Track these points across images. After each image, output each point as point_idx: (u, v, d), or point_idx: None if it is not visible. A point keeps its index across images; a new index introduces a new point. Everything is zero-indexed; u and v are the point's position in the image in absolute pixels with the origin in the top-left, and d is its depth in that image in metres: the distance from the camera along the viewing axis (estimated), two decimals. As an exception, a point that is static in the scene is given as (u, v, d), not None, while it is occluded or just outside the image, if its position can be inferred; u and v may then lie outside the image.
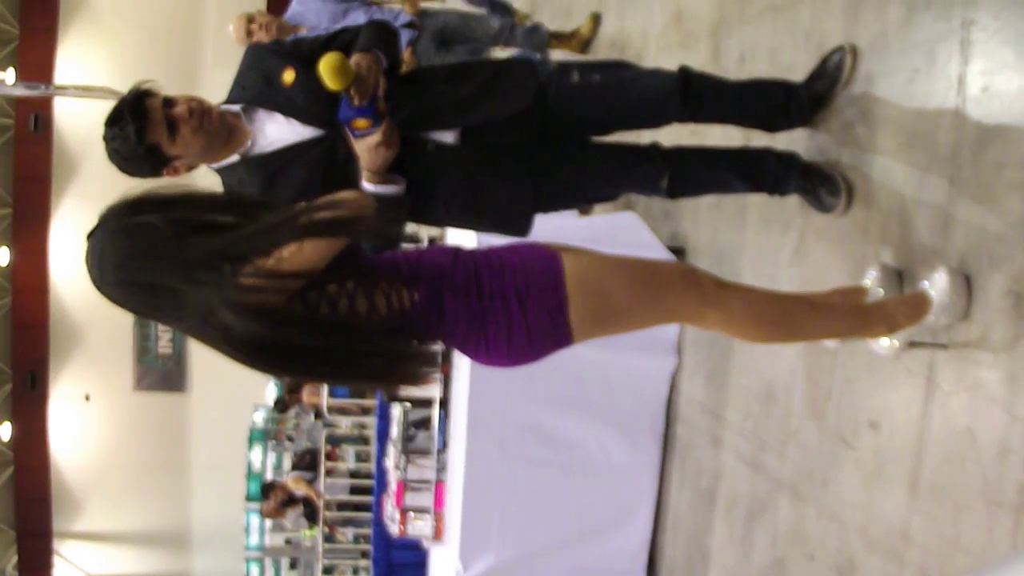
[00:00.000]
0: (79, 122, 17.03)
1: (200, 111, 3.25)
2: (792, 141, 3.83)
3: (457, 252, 2.86)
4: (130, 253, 2.45)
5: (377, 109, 3.20)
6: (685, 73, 3.60)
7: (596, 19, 7.02)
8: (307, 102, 3.35)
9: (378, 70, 3.18)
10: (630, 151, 3.76)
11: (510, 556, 5.38)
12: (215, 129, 3.31)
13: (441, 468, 5.74)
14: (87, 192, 17.65)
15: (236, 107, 3.39)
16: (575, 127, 3.67)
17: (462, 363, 5.43)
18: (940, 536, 2.96)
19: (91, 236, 2.54)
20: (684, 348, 5.12)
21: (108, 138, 3.30)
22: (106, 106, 3.40)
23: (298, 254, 2.41)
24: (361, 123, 3.22)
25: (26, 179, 17.24)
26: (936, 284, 2.93)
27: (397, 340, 2.70)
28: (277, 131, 3.40)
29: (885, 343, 3.17)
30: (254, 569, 18.21)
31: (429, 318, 2.75)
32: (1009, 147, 2.79)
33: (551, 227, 5.08)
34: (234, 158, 3.40)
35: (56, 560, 18.02)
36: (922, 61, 3.18)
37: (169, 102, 3.25)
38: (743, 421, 4.38)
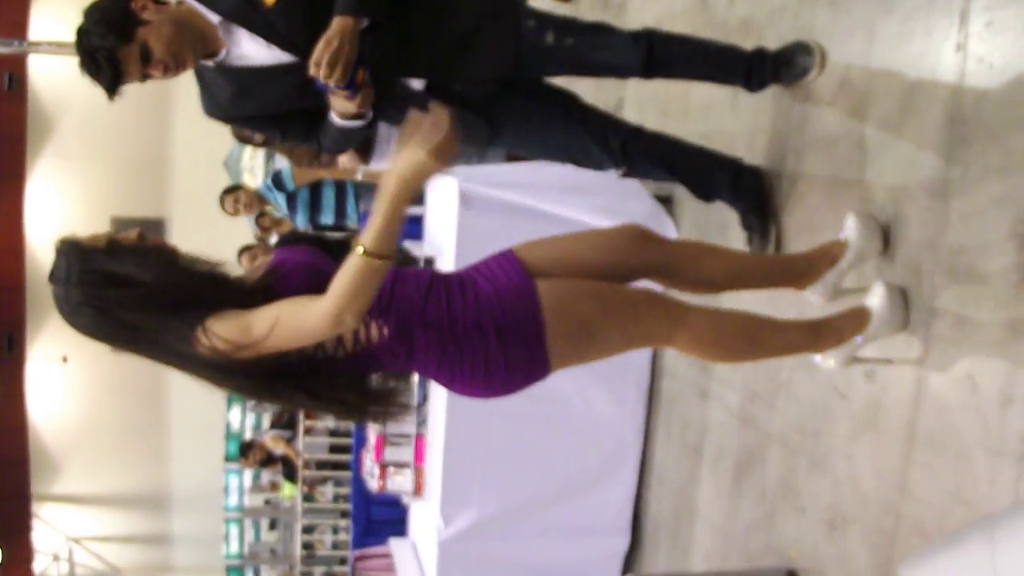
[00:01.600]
0: (54, 80, 16.75)
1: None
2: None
3: (432, 284, 2.79)
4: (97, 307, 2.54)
5: (355, 83, 3.15)
6: (650, 45, 3.63)
7: None
8: (287, 28, 3.27)
9: (354, 46, 3.13)
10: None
11: (492, 511, 5.29)
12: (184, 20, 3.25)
13: (421, 422, 5.63)
14: (63, 152, 17.45)
15: (214, 17, 3.27)
16: (536, 79, 3.75)
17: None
18: (938, 488, 2.87)
19: (55, 278, 2.61)
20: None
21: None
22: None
23: (270, 332, 2.45)
24: (339, 93, 3.22)
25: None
26: (874, 296, 3.08)
27: (358, 383, 2.72)
28: (255, 50, 3.33)
29: (832, 358, 3.20)
30: (233, 530, 18.17)
31: (398, 352, 2.71)
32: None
33: (538, 176, 5.02)
34: (208, 63, 3.36)
35: (35, 523, 17.92)
36: None
37: None
38: (732, 373, 4.28)
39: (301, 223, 7.70)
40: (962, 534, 1.94)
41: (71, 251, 2.57)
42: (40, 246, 17.15)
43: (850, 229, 3.19)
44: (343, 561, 11.67)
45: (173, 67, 3.26)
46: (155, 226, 17.30)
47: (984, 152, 2.78)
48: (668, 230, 4.94)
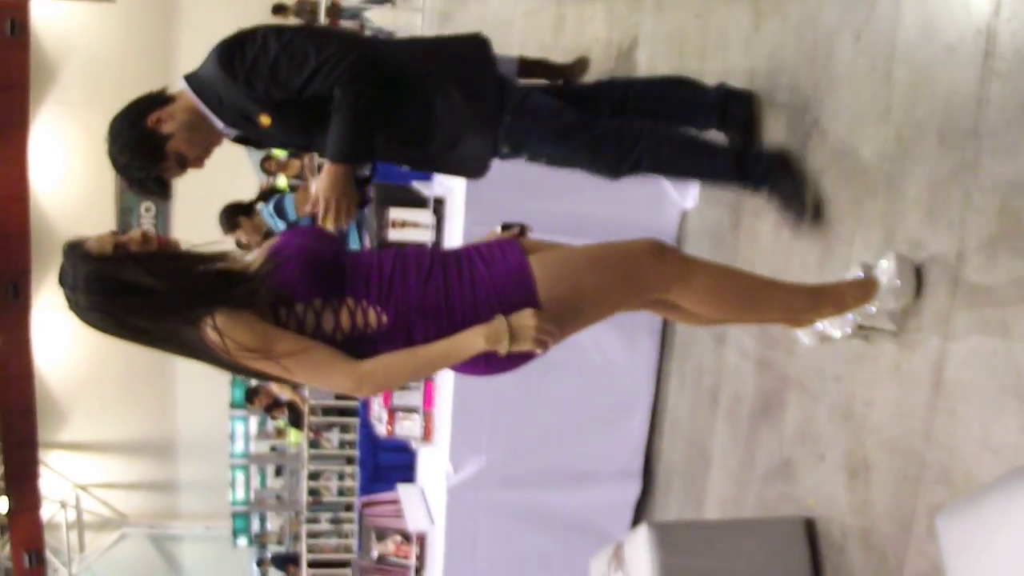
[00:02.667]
0: (57, 26, 16.62)
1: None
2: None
3: (431, 270, 2.79)
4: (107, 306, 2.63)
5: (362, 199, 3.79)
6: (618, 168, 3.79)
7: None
8: (284, 137, 3.72)
9: (350, 190, 3.51)
10: None
11: (502, 458, 5.23)
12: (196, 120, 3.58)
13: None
14: (66, 99, 17.34)
15: (229, 132, 3.66)
16: None
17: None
18: (966, 436, 2.78)
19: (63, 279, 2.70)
20: (685, 241, 4.91)
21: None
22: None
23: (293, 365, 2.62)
24: None
25: (2, 87, 16.84)
26: (884, 269, 3.01)
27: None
28: None
29: (835, 327, 3.16)
30: (239, 476, 18.24)
31: (396, 339, 2.72)
32: None
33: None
34: None
35: (42, 470, 17.96)
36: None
37: None
38: (748, 318, 4.18)
39: None
40: (1001, 483, 1.86)
41: (77, 257, 2.64)
42: (44, 193, 17.09)
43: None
44: (348, 507, 11.68)
45: (205, 156, 3.67)
46: (159, 173, 17.13)
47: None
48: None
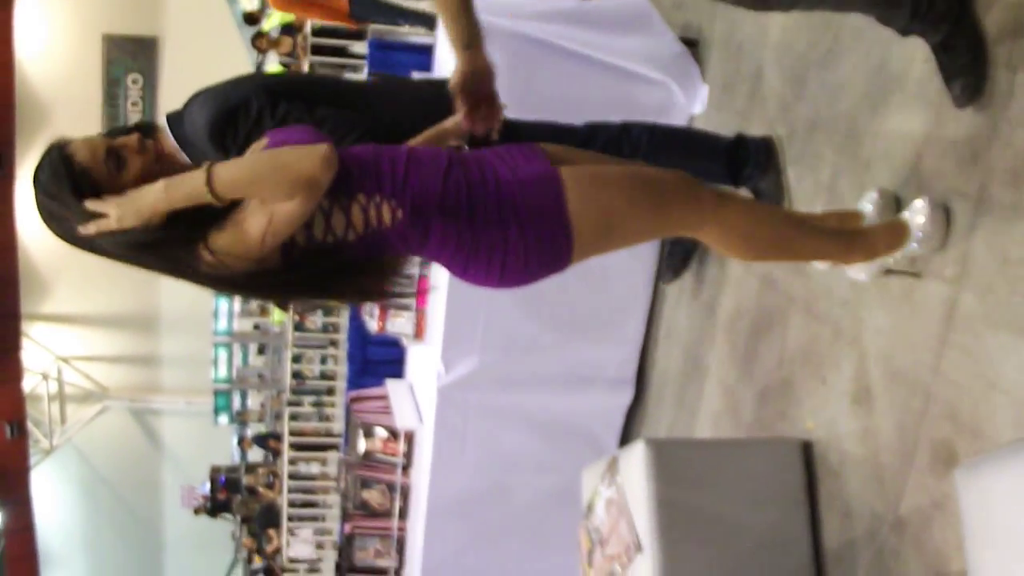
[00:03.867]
0: None
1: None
2: None
3: (449, 166, 2.60)
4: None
5: None
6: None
7: None
8: None
9: None
10: None
11: (494, 359, 5.19)
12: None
13: (425, 263, 5.47)
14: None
15: None
16: None
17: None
18: (976, 374, 2.72)
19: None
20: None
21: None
22: None
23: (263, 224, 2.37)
24: None
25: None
26: (915, 213, 2.90)
27: (373, 265, 2.60)
28: None
29: (862, 271, 3.09)
30: (222, 353, 18.32)
31: (410, 237, 2.54)
32: None
33: (556, 7, 4.78)
34: None
35: (24, 342, 17.93)
36: None
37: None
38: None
39: None
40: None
41: (59, 161, 2.41)
42: (30, 61, 16.81)
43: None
44: (331, 391, 11.69)
45: None
46: (148, 44, 16.97)
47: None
48: (694, 77, 4.74)
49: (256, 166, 2.41)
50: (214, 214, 2.38)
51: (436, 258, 2.65)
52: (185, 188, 2.34)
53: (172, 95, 16.06)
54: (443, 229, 2.54)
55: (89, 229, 2.37)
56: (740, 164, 3.99)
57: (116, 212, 2.33)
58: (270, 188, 2.35)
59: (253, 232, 2.35)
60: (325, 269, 2.51)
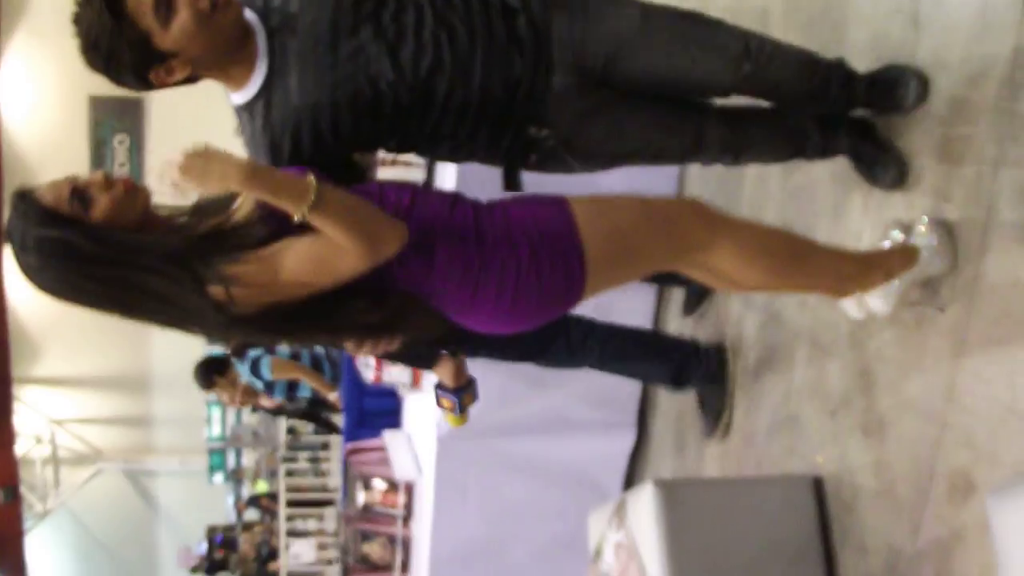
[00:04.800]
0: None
1: None
2: None
3: (456, 199, 2.56)
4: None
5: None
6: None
7: None
8: None
9: None
10: None
11: (493, 405, 5.04)
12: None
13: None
14: (38, 29, 16.81)
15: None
16: None
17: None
18: (992, 399, 2.66)
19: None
20: (687, 180, 4.80)
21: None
22: None
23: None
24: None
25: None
26: (920, 231, 2.87)
27: (379, 301, 2.46)
28: None
29: (879, 302, 2.94)
30: (215, 412, 18.19)
31: (413, 266, 2.43)
32: None
33: None
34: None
35: (17, 405, 17.82)
36: None
37: None
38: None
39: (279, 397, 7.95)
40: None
41: (28, 209, 2.30)
42: (16, 126, 16.82)
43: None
44: (325, 446, 11.60)
45: None
46: (133, 105, 16.98)
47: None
48: None
49: (359, 208, 2.31)
50: (236, 242, 2.29)
51: (443, 286, 2.51)
52: (276, 184, 2.23)
53: (159, 155, 16.06)
54: (449, 252, 2.47)
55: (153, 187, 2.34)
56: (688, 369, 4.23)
57: (191, 163, 2.18)
58: (356, 235, 2.25)
59: (293, 269, 2.27)
60: (330, 313, 2.41)
